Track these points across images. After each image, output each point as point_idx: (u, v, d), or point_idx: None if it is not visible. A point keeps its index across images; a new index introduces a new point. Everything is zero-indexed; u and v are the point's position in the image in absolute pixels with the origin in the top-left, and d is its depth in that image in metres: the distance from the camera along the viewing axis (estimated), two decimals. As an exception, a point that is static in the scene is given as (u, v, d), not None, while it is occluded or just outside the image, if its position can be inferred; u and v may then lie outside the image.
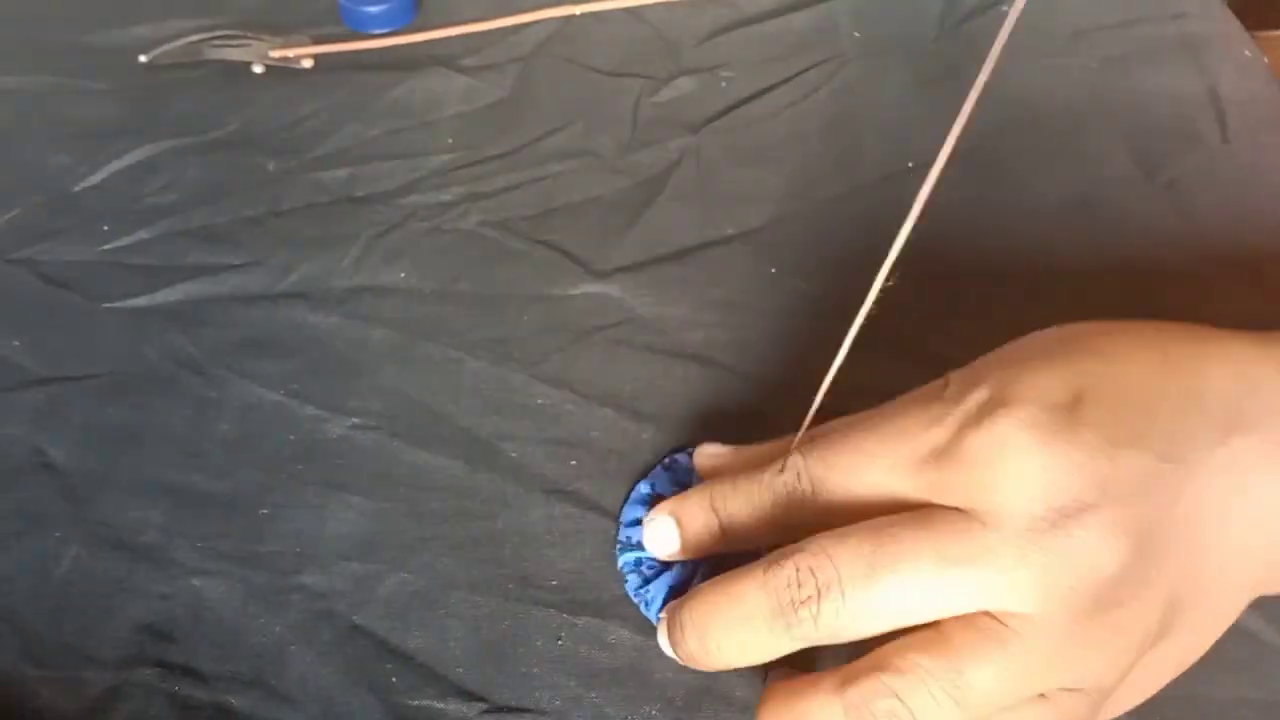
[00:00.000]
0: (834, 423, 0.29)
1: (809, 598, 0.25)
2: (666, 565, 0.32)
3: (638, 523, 0.33)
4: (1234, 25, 0.50)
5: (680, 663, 0.29)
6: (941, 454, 0.26)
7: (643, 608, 0.32)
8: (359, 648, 0.32)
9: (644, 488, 0.34)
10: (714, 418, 0.36)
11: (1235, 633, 0.31)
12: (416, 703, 0.31)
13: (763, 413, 0.36)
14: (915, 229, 0.25)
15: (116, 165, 0.45)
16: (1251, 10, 0.53)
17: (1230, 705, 0.30)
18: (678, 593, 0.32)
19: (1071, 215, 0.42)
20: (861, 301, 0.26)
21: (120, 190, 0.44)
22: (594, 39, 0.50)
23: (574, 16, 0.51)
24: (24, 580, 0.33)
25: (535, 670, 0.31)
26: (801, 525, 0.28)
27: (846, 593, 0.25)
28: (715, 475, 0.31)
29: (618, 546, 0.33)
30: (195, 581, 0.33)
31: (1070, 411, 0.25)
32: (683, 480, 0.34)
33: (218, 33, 0.50)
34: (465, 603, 0.33)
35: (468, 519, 0.34)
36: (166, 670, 0.32)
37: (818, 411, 0.28)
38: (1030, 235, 0.41)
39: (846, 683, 0.25)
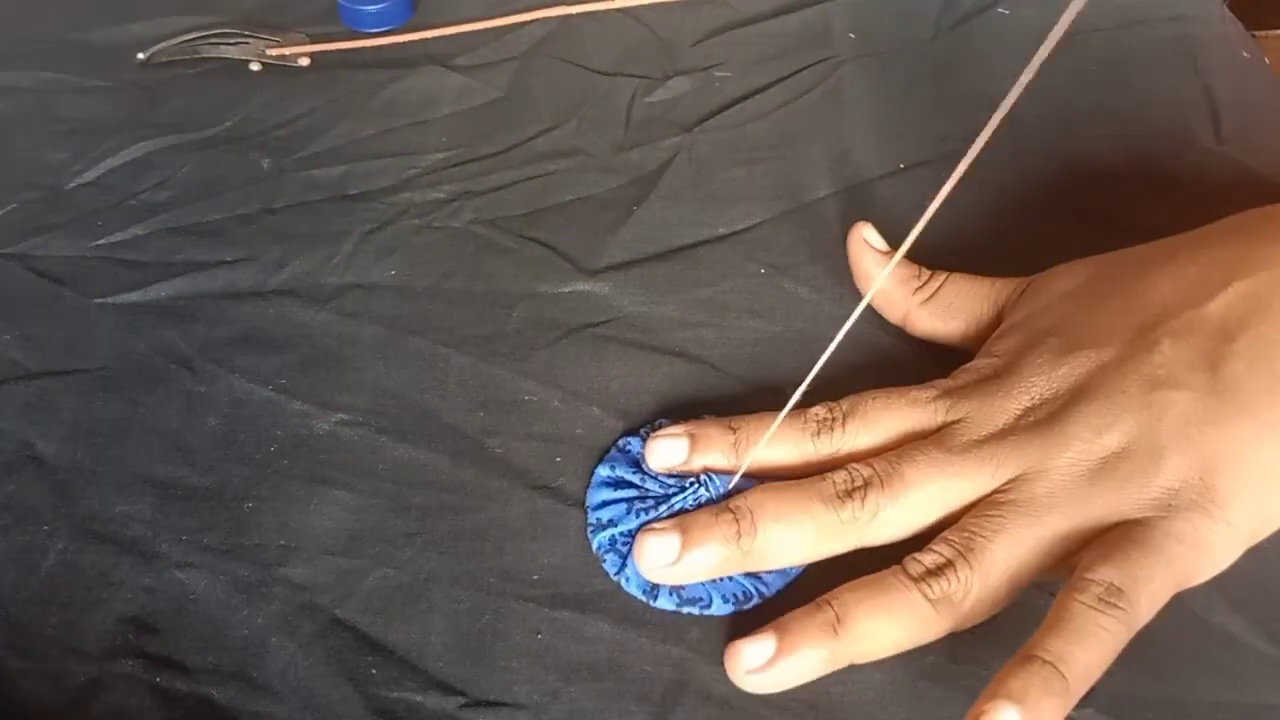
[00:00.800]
0: None
1: (859, 488, 0.31)
2: None
3: (604, 504, 0.33)
4: (1233, 26, 0.49)
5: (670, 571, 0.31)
6: (942, 393, 0.33)
7: (624, 584, 0.32)
8: (340, 641, 0.32)
9: (604, 471, 0.34)
10: (699, 416, 0.36)
11: (1216, 636, 0.31)
12: (395, 695, 0.31)
13: (748, 412, 0.36)
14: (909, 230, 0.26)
15: (112, 162, 0.45)
16: (1251, 10, 0.52)
17: (1211, 709, 0.30)
18: None
19: (1064, 217, 0.42)
20: (851, 302, 0.26)
21: (115, 187, 0.44)
22: (589, 39, 0.50)
23: (570, 16, 0.51)
24: (10, 572, 0.34)
25: (514, 664, 0.31)
26: (819, 462, 0.33)
27: (888, 485, 0.31)
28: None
29: (589, 529, 0.33)
30: (180, 574, 0.33)
31: (1013, 334, 0.34)
32: (640, 459, 0.34)
33: (215, 31, 0.50)
34: (446, 597, 0.33)
35: (451, 514, 0.34)
36: (149, 662, 0.32)
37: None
38: (1023, 237, 0.41)
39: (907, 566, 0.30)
